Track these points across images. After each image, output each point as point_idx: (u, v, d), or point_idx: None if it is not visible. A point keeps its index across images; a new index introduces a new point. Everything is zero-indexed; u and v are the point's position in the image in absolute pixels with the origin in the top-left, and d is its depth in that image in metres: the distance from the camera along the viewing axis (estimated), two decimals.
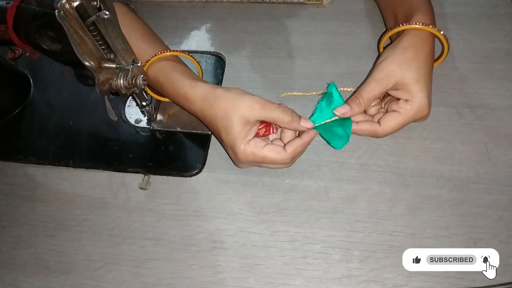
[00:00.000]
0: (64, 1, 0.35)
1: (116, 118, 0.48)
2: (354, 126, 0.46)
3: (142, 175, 0.51)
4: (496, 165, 0.48)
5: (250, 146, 0.44)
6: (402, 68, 0.44)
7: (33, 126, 0.57)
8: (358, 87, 0.47)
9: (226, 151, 0.48)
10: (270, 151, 0.44)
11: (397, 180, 0.48)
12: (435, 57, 0.49)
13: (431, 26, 0.46)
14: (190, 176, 0.51)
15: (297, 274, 0.44)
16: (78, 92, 0.59)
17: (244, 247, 0.46)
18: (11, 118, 0.58)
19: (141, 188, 0.51)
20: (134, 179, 0.51)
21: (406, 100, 0.44)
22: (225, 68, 0.59)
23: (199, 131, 0.53)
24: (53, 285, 0.46)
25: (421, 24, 0.46)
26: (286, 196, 0.48)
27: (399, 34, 0.48)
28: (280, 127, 0.47)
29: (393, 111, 0.45)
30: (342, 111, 0.46)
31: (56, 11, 0.35)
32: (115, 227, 0.49)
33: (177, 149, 0.53)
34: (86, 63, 0.40)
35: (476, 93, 0.53)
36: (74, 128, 0.56)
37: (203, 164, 0.51)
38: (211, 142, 0.53)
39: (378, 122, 0.46)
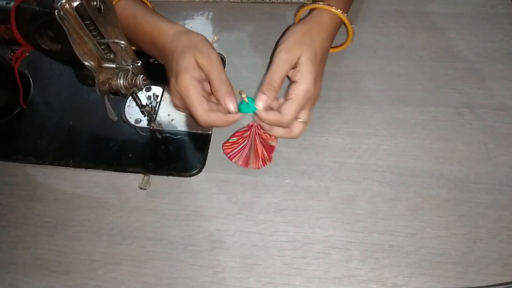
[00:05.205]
0: (64, 1, 0.35)
1: (116, 118, 0.48)
2: (263, 115, 0.46)
3: (142, 175, 0.51)
4: (496, 165, 0.48)
5: (189, 81, 0.44)
6: (302, 48, 0.46)
7: (33, 126, 0.57)
8: (266, 73, 0.47)
9: (168, 81, 0.48)
10: (197, 100, 0.44)
11: (397, 180, 0.48)
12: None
13: (338, 10, 0.49)
14: (190, 176, 0.51)
15: (297, 274, 0.44)
16: (78, 92, 0.59)
17: (244, 247, 0.46)
18: (11, 118, 0.58)
19: (141, 188, 0.51)
20: (134, 179, 0.51)
21: (295, 82, 0.45)
22: (225, 68, 0.58)
23: (199, 131, 0.53)
24: (53, 285, 0.46)
25: (328, 5, 0.50)
26: (286, 196, 0.48)
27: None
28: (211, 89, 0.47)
29: (288, 99, 0.45)
30: (262, 102, 0.46)
31: (56, 11, 0.35)
32: (115, 227, 0.49)
33: (177, 149, 0.53)
34: (86, 63, 0.40)
35: (476, 93, 0.53)
36: (74, 128, 0.56)
37: (203, 164, 0.51)
38: (211, 142, 0.53)
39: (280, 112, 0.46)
